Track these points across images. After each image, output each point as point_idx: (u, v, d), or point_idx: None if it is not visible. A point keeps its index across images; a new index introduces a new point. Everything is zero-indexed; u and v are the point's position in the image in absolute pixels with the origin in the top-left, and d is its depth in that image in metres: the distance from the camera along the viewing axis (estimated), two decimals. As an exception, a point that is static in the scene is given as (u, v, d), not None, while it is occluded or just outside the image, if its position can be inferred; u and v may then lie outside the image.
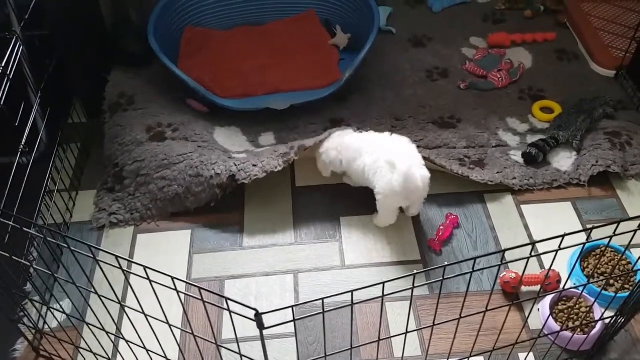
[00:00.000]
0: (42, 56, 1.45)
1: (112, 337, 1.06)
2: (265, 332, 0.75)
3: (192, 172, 1.42)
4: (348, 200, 1.48)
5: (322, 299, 0.76)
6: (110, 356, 1.14)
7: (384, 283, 0.77)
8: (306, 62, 1.81)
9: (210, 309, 1.26)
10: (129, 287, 1.29)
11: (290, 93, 1.71)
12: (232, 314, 0.75)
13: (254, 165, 1.41)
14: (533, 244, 0.78)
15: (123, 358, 1.16)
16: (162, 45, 1.67)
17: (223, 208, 1.46)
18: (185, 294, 0.77)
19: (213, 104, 1.63)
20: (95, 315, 1.00)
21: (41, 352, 1.20)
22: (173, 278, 0.75)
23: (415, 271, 0.79)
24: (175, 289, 0.76)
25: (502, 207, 1.46)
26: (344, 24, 1.91)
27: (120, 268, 0.77)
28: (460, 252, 1.37)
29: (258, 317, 0.73)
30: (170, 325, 0.85)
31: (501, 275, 1.28)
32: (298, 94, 1.69)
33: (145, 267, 0.75)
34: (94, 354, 1.13)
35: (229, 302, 0.74)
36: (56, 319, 1.23)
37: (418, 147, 1.57)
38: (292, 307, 0.75)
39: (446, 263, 0.78)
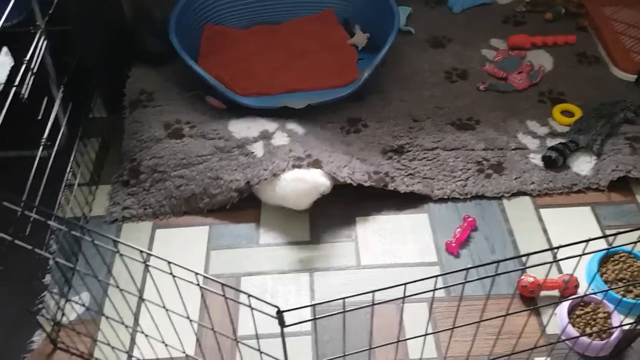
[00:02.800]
0: (65, 51, 1.46)
1: (130, 330, 1.07)
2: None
3: (211, 174, 1.44)
4: (364, 200, 1.47)
5: (343, 298, 0.76)
6: (127, 349, 1.15)
7: (405, 284, 0.77)
8: (324, 62, 1.81)
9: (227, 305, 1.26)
10: (147, 281, 1.31)
11: (308, 92, 1.71)
12: (253, 311, 0.75)
13: (264, 170, 1.41)
14: (557, 248, 0.77)
15: (141, 351, 1.17)
16: (182, 42, 1.68)
17: (240, 205, 1.46)
18: (207, 290, 0.78)
19: (232, 101, 1.63)
20: (115, 308, 1.01)
21: (58, 345, 1.21)
22: (196, 273, 0.75)
23: (434, 273, 0.79)
24: (198, 284, 0.76)
25: (520, 210, 1.45)
26: (363, 24, 1.91)
27: (144, 262, 0.78)
28: (477, 255, 1.36)
29: (280, 315, 0.73)
30: (190, 320, 0.86)
31: (519, 279, 1.27)
32: (316, 93, 1.69)
33: (169, 262, 0.76)
34: (112, 347, 1.14)
35: (250, 298, 0.74)
36: (75, 311, 1.24)
37: (435, 148, 1.58)
38: (313, 305, 0.75)
39: (469, 266, 0.77)
